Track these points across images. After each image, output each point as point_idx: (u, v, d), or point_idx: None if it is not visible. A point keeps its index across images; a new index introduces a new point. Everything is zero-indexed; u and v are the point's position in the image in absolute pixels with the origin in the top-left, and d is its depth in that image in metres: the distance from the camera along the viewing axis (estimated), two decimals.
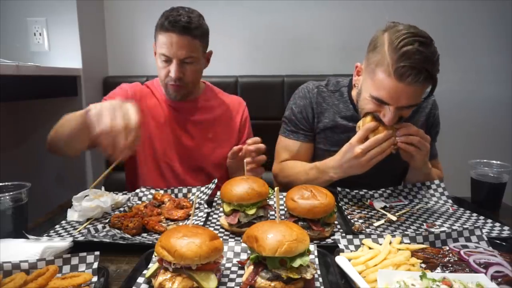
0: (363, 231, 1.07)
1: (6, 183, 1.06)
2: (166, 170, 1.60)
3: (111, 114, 0.99)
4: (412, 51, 1.12)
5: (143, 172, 1.61)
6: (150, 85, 1.67)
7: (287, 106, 1.60)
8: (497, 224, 1.09)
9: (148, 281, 0.80)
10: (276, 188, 0.85)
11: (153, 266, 0.81)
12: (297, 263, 0.75)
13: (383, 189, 1.38)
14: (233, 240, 1.04)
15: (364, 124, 1.24)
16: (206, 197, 1.30)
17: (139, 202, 1.32)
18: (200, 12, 1.51)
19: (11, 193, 1.01)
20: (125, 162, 1.69)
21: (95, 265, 0.83)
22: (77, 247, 0.93)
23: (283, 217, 1.10)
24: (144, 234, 1.08)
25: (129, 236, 1.04)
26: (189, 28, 1.42)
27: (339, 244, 0.94)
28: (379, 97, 1.21)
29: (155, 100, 1.61)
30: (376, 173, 1.27)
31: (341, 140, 1.45)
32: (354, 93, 1.47)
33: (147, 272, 0.80)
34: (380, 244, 0.92)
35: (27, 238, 0.96)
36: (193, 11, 1.48)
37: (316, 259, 0.88)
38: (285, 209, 1.11)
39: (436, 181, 1.36)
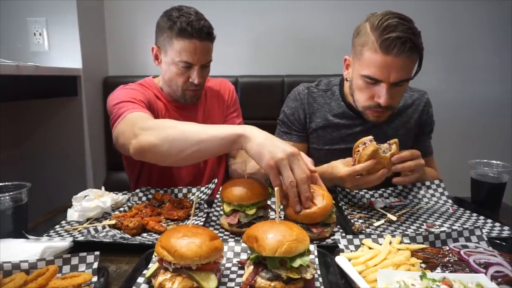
0: (363, 231, 1.07)
1: (6, 183, 1.06)
2: (173, 173, 1.57)
3: (289, 164, 0.95)
4: (393, 24, 1.19)
5: (145, 175, 1.59)
6: (149, 87, 1.56)
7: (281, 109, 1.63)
8: (497, 224, 1.09)
9: (148, 281, 0.80)
10: (276, 188, 0.85)
11: (153, 266, 0.81)
12: (297, 263, 0.75)
13: (383, 189, 1.38)
14: (233, 240, 1.03)
15: (364, 151, 1.16)
16: (206, 197, 1.30)
17: (139, 202, 1.32)
18: (200, 12, 1.50)
19: (11, 193, 1.01)
20: (124, 162, 1.68)
21: (95, 265, 0.83)
22: (77, 247, 0.93)
23: (283, 217, 1.10)
24: (144, 234, 1.08)
25: (129, 236, 1.04)
26: (210, 34, 1.45)
27: (339, 244, 0.94)
28: (370, 75, 1.25)
29: (161, 103, 1.56)
30: None
31: (333, 138, 1.52)
32: (346, 88, 1.49)
33: (147, 272, 0.80)
34: (380, 244, 0.92)
35: (27, 238, 0.96)
36: (198, 11, 1.47)
37: (316, 259, 0.88)
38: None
39: (436, 181, 1.36)
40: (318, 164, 1.36)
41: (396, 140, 1.18)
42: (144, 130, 1.14)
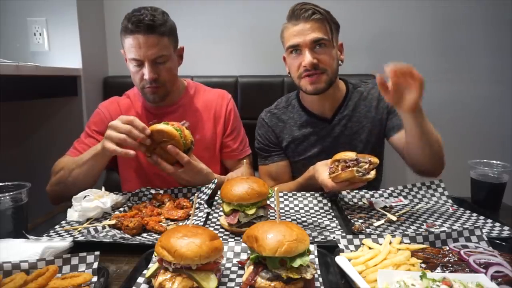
0: (363, 231, 1.07)
1: (6, 183, 1.06)
2: (155, 181, 1.55)
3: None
4: (299, 3, 1.43)
5: (127, 186, 1.59)
6: (131, 95, 1.62)
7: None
8: (497, 224, 1.09)
9: (148, 281, 0.80)
10: (276, 188, 0.86)
11: (153, 266, 0.81)
12: (297, 263, 0.75)
13: (383, 189, 1.39)
14: (233, 240, 1.04)
15: (342, 173, 1.15)
16: (206, 197, 1.30)
17: (139, 202, 1.32)
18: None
19: (11, 193, 1.01)
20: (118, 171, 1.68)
21: (95, 265, 0.83)
22: (77, 247, 0.93)
23: (283, 217, 1.10)
24: (144, 234, 1.08)
25: (129, 236, 1.04)
26: (154, 26, 1.37)
27: (339, 244, 0.94)
28: (290, 44, 1.43)
29: (133, 112, 1.56)
30: None
31: (304, 148, 1.60)
32: (302, 95, 1.61)
33: (147, 272, 0.80)
34: (380, 244, 0.92)
35: (27, 238, 0.96)
36: (156, 9, 1.43)
37: (316, 259, 0.88)
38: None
39: (436, 181, 1.36)
40: (299, 174, 1.46)
41: (377, 161, 1.16)
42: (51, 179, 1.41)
